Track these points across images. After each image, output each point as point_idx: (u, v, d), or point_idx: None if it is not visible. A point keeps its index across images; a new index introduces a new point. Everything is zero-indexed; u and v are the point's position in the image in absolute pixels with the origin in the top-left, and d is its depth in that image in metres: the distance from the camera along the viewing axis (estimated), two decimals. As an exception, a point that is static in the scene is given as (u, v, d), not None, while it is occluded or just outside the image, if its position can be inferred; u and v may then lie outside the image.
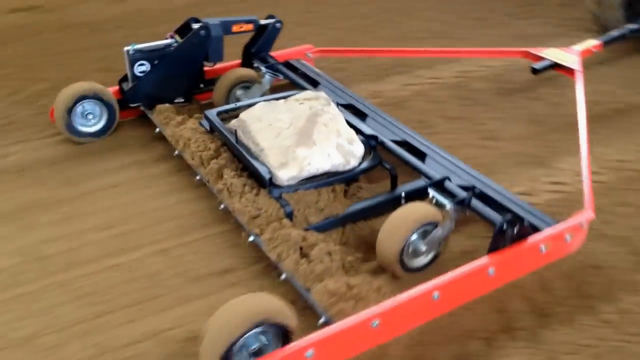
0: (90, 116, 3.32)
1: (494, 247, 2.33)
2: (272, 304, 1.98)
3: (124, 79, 3.44)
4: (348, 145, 2.74)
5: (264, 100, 2.96)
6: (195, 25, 3.39)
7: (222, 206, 2.70)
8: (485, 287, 2.35)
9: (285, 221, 2.48)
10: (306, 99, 2.90)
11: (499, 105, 3.77)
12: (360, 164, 2.74)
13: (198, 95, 3.59)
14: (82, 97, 3.25)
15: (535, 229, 2.42)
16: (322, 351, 2.02)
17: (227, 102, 3.45)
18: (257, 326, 1.92)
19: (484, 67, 4.19)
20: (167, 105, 3.36)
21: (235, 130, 2.79)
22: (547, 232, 2.42)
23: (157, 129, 3.28)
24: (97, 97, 3.28)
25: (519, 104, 3.77)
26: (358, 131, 2.89)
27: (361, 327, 2.08)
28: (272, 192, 2.58)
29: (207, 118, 3.02)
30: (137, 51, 3.30)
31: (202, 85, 3.58)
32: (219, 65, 3.62)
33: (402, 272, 2.41)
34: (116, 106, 3.36)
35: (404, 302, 2.15)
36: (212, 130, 3.03)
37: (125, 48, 3.31)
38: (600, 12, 4.59)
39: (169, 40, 3.40)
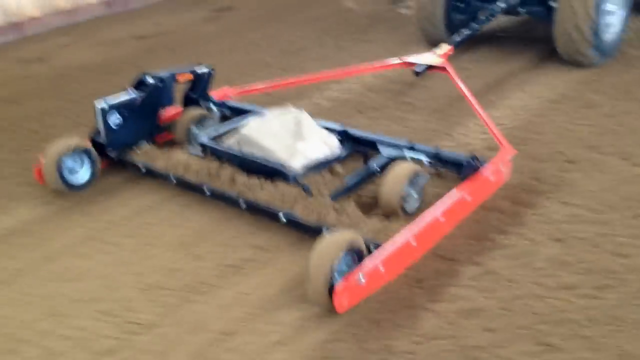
0: (79, 168, 3.72)
1: (464, 178, 3.25)
2: (353, 235, 2.70)
3: (97, 133, 3.88)
4: (327, 139, 3.53)
5: (251, 119, 3.65)
6: (151, 80, 3.96)
7: (241, 202, 3.30)
8: (468, 209, 3.25)
9: (308, 197, 3.18)
10: (282, 113, 3.63)
11: (390, 103, 4.82)
12: (340, 151, 3.54)
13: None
14: (70, 152, 3.65)
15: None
16: (387, 265, 2.76)
17: (187, 138, 4.03)
18: (349, 250, 2.62)
19: (359, 82, 5.27)
20: (147, 146, 3.87)
21: (240, 144, 3.44)
22: (491, 165, 3.39)
23: (144, 169, 3.76)
24: (83, 150, 3.71)
25: (406, 100, 4.88)
26: (328, 129, 3.67)
27: (407, 246, 2.86)
28: (289, 179, 3.27)
29: (201, 144, 3.62)
30: (111, 106, 3.78)
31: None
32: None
33: (403, 214, 3.22)
34: (98, 157, 3.79)
35: (426, 225, 2.97)
36: (205, 152, 3.63)
37: (98, 105, 3.78)
38: (427, 32, 5.88)
39: (133, 94, 3.91)
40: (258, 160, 3.36)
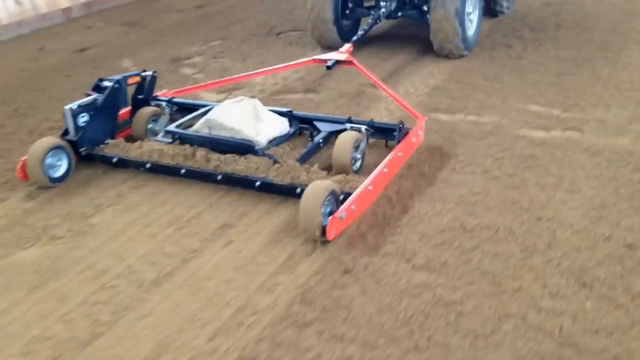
0: (58, 163, 4.16)
1: (398, 141, 4.11)
2: (331, 183, 3.45)
3: (65, 133, 4.32)
4: (279, 119, 4.25)
5: (215, 107, 4.28)
6: (109, 83, 4.46)
7: (219, 177, 3.92)
8: (400, 163, 4.09)
9: (277, 165, 3.87)
10: (237, 100, 4.29)
11: (316, 94, 5.64)
12: (290, 129, 4.28)
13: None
14: (51, 149, 4.09)
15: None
16: (357, 205, 3.54)
17: (145, 134, 4.57)
18: (330, 194, 3.36)
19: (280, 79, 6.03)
20: (117, 139, 4.37)
21: (210, 127, 4.07)
22: (412, 131, 4.26)
23: (115, 159, 4.24)
24: (60, 148, 4.15)
25: (319, 92, 5.70)
26: (276, 112, 4.39)
27: (366, 191, 3.65)
28: (258, 152, 3.94)
29: (170, 132, 4.21)
30: (79, 106, 4.25)
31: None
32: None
33: (352, 172, 4.00)
34: (72, 153, 4.24)
35: (377, 175, 3.77)
36: (175, 139, 4.21)
37: (67, 106, 4.22)
38: (321, 38, 6.75)
39: (95, 95, 4.39)
40: (228, 139, 4.00)
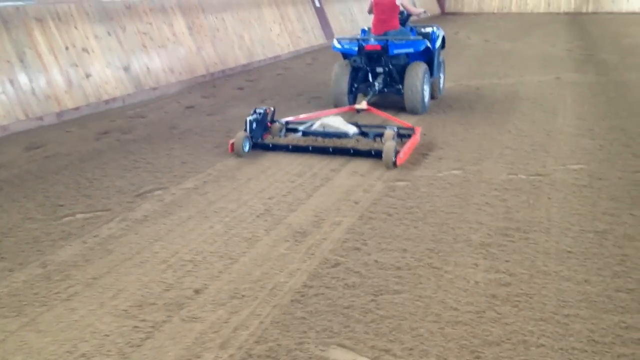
0: (247, 144, 8.27)
1: (411, 135, 8.56)
2: (394, 143, 7.80)
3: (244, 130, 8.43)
4: (353, 126, 8.63)
5: (324, 117, 8.61)
6: (261, 110, 8.67)
7: (331, 149, 8.15)
8: (414, 144, 8.48)
9: (359, 142, 8.19)
10: (332, 116, 8.63)
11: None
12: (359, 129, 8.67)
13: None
14: (246, 137, 8.22)
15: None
16: (404, 153, 7.88)
17: (277, 135, 8.77)
18: (395, 146, 7.71)
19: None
20: (265, 137, 8.58)
21: (324, 127, 8.38)
22: (416, 132, 8.70)
23: (270, 145, 8.40)
24: (247, 137, 8.28)
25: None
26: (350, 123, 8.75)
27: (406, 149, 8.00)
28: (351, 136, 8.27)
29: (300, 131, 8.48)
30: (253, 118, 8.42)
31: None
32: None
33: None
34: (251, 140, 8.38)
35: (408, 144, 8.14)
36: (303, 134, 8.46)
37: (248, 117, 8.38)
38: (337, 102, 11.21)
39: (256, 114, 8.57)
40: (335, 131, 8.31)
